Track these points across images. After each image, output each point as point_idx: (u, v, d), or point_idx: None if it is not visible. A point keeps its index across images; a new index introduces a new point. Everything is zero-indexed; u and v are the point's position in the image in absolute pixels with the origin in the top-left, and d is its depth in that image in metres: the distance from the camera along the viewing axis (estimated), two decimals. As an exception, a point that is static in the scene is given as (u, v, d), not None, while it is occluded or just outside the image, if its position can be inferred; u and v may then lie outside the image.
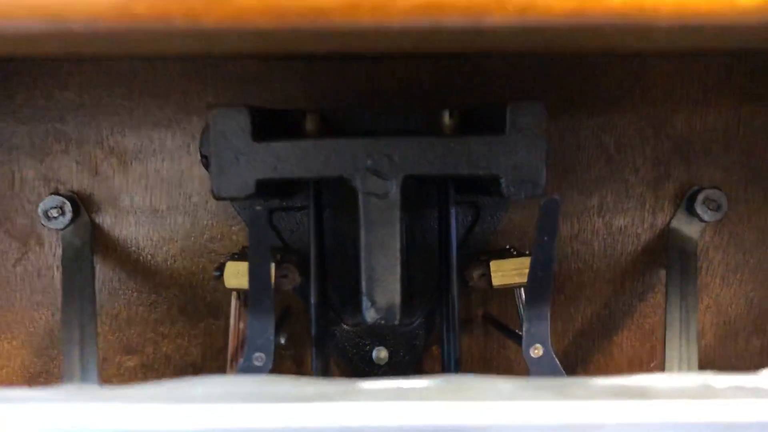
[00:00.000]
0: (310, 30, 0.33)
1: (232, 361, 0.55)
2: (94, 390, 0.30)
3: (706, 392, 0.30)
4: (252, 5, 0.31)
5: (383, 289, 0.47)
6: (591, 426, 0.29)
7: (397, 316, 0.48)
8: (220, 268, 0.54)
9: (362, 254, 0.47)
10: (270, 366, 0.46)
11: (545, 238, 0.45)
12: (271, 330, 0.45)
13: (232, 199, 0.47)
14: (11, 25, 0.32)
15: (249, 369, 0.46)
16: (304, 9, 0.31)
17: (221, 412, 0.27)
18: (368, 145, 0.46)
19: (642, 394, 0.30)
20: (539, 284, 0.46)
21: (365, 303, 0.47)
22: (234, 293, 0.55)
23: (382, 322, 0.48)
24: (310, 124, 0.53)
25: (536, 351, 0.47)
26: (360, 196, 0.47)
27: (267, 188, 0.49)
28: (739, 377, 0.31)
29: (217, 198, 0.47)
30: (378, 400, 0.29)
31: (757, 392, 0.30)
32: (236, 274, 0.53)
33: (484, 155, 0.46)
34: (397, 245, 0.47)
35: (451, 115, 0.52)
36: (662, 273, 0.65)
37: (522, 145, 0.46)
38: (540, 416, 0.28)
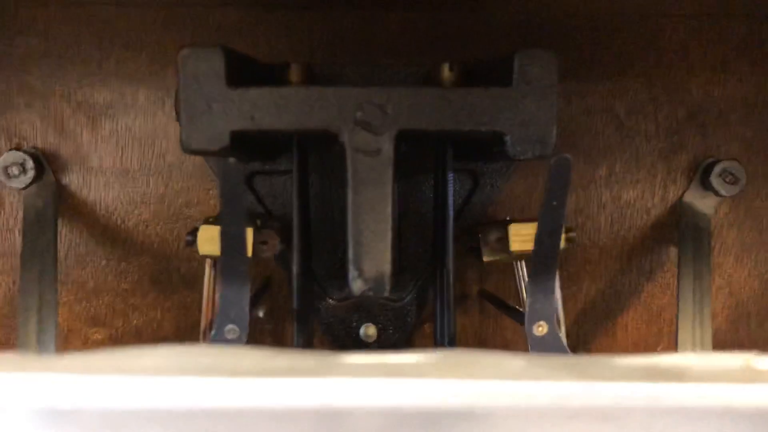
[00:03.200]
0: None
1: (204, 335, 0.50)
2: (19, 358, 0.25)
3: (750, 375, 0.26)
4: None
5: (372, 256, 0.42)
6: (619, 410, 0.24)
7: (387, 288, 0.43)
8: (193, 233, 0.49)
9: (349, 217, 0.42)
10: (244, 340, 0.41)
11: (554, 203, 0.40)
12: (246, 299, 0.41)
13: (203, 153, 0.42)
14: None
15: (221, 343, 0.41)
16: None
17: (180, 387, 0.22)
18: (358, 94, 0.41)
19: (677, 375, 0.26)
20: (545, 255, 0.41)
21: (352, 272, 0.43)
22: (208, 261, 0.50)
23: (370, 293, 0.43)
24: (294, 76, 0.48)
25: (540, 329, 0.42)
26: (348, 153, 0.42)
27: (245, 145, 0.44)
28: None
29: (186, 151, 0.41)
30: (364, 376, 0.24)
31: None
32: (210, 240, 0.48)
33: (488, 109, 0.41)
34: (389, 208, 0.42)
35: (451, 68, 0.47)
36: (672, 251, 0.61)
37: (530, 98, 0.41)
38: (559, 398, 0.24)
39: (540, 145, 0.41)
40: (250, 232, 0.44)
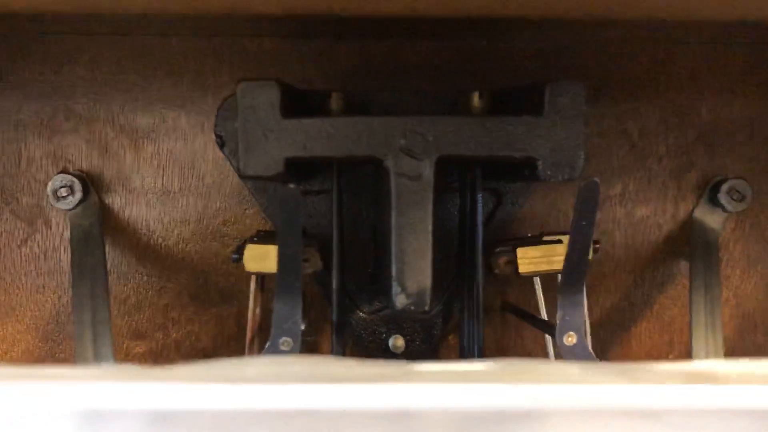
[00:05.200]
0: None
1: (250, 346, 0.53)
2: (133, 369, 0.28)
3: (777, 379, 0.29)
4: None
5: (414, 273, 0.46)
6: (662, 411, 0.27)
7: (428, 302, 0.46)
8: (239, 251, 0.52)
9: (393, 237, 0.46)
10: (297, 351, 0.44)
11: (583, 222, 0.43)
12: (299, 314, 0.44)
13: (259, 178, 0.46)
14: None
15: (275, 354, 0.44)
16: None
17: (286, 392, 0.25)
18: (402, 123, 0.44)
19: (711, 378, 0.29)
20: (575, 270, 0.45)
21: (395, 288, 0.46)
22: (253, 277, 0.53)
23: (412, 308, 0.46)
24: (335, 104, 0.52)
25: (570, 339, 0.46)
26: (392, 177, 0.45)
27: (291, 169, 0.48)
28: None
29: (243, 176, 0.45)
30: (442, 381, 0.27)
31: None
32: (256, 258, 0.51)
33: (522, 136, 0.44)
34: (429, 228, 0.46)
35: (480, 96, 0.51)
36: (682, 264, 0.65)
37: (560, 126, 0.45)
38: (611, 398, 0.27)
39: (569, 169, 0.45)
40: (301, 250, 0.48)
